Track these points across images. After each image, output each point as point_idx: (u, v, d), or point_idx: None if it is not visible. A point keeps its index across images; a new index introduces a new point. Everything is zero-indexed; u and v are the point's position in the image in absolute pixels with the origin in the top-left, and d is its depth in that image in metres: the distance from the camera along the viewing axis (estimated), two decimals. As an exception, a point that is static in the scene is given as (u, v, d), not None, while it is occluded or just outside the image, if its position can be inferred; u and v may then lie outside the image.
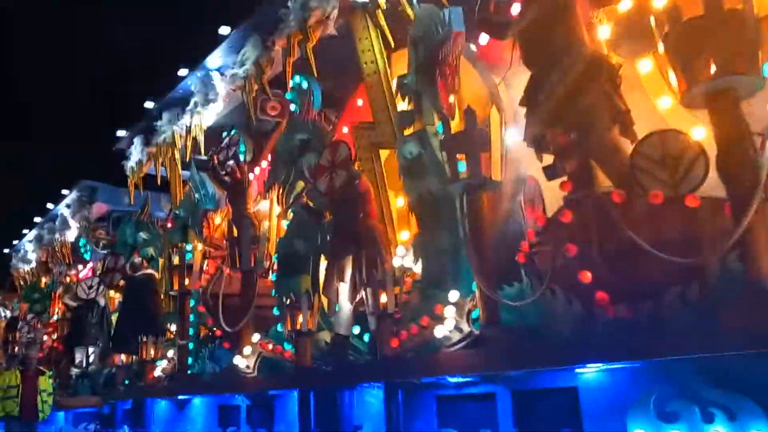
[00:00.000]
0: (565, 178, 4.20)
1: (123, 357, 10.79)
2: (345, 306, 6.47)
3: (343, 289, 6.47)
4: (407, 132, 6.19)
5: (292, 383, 6.55)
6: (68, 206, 15.48)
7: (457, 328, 4.81)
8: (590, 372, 4.18)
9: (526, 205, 4.71)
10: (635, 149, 4.03)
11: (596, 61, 4.18)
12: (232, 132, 10.40)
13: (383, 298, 5.64)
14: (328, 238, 6.83)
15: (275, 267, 8.46)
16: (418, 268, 6.23)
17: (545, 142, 4.14)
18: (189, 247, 9.80)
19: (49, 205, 16.09)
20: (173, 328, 10.61)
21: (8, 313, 19.93)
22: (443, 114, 5.28)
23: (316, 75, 7.91)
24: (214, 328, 8.24)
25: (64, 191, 15.22)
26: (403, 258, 6.35)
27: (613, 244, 3.89)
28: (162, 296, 10.72)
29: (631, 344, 3.77)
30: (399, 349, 5.47)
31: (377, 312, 5.59)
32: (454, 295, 4.99)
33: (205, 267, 9.30)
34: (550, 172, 4.24)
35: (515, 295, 4.93)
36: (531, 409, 4.62)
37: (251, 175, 9.97)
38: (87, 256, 16.29)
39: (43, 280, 18.06)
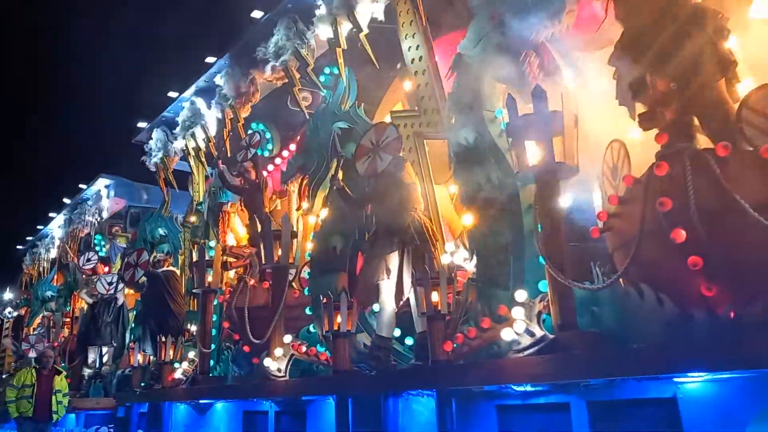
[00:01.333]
0: (658, 130, 3.76)
1: (140, 357, 10.31)
2: (387, 306, 5.97)
3: (386, 287, 5.97)
4: (460, 118, 5.73)
5: (330, 388, 6.04)
6: (86, 201, 15.10)
7: (528, 332, 4.30)
8: (694, 381, 3.67)
9: (607, 173, 4.22)
10: (743, 102, 3.60)
11: (702, 9, 3.75)
12: (255, 128, 10.02)
13: (434, 297, 5.16)
14: (370, 232, 6.33)
15: (302, 271, 8.02)
16: (470, 266, 5.75)
17: (644, 87, 3.69)
18: (212, 244, 9.37)
19: (65, 200, 15.72)
20: (193, 327, 10.18)
21: (15, 313, 19.55)
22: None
23: (377, 65, 7.44)
24: (242, 344, 7.66)
25: (82, 185, 14.84)
26: (453, 255, 5.86)
27: (714, 205, 3.42)
28: (182, 294, 10.28)
29: (741, 350, 3.26)
30: (453, 353, 4.98)
31: (430, 313, 5.09)
32: (521, 295, 4.48)
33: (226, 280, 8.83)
34: (646, 120, 3.79)
35: (588, 295, 4.47)
36: (613, 422, 4.11)
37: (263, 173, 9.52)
38: (102, 253, 15.93)
39: (56, 277, 17.70)
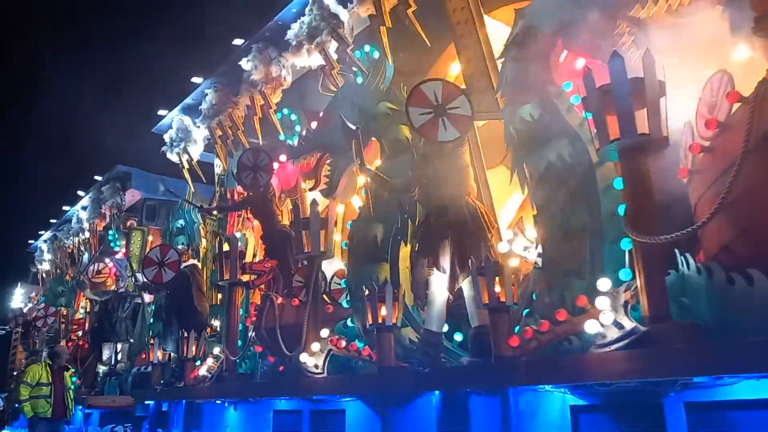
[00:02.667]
0: None
1: (159, 354, 9.87)
2: (437, 299, 5.51)
3: (435, 278, 5.50)
4: (519, 94, 5.28)
5: (375, 387, 5.58)
6: (101, 193, 14.66)
7: (616, 323, 3.84)
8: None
9: (702, 110, 3.80)
10: None
11: None
12: (282, 115, 9.58)
13: (497, 287, 4.70)
14: (417, 220, 5.87)
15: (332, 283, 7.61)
16: (531, 255, 5.30)
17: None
18: (238, 235, 8.94)
19: (80, 192, 15.28)
20: (217, 323, 9.75)
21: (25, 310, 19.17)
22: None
23: (427, 41, 6.96)
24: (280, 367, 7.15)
25: (97, 177, 14.40)
26: (512, 242, 5.41)
27: None
28: (204, 289, 9.85)
29: None
30: (519, 349, 4.52)
31: (494, 304, 4.64)
32: (605, 284, 4.02)
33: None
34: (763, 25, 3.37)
35: (675, 284, 4.01)
36: (718, 426, 3.64)
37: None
38: (116, 247, 15.51)
39: (69, 273, 17.34)
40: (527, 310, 5.01)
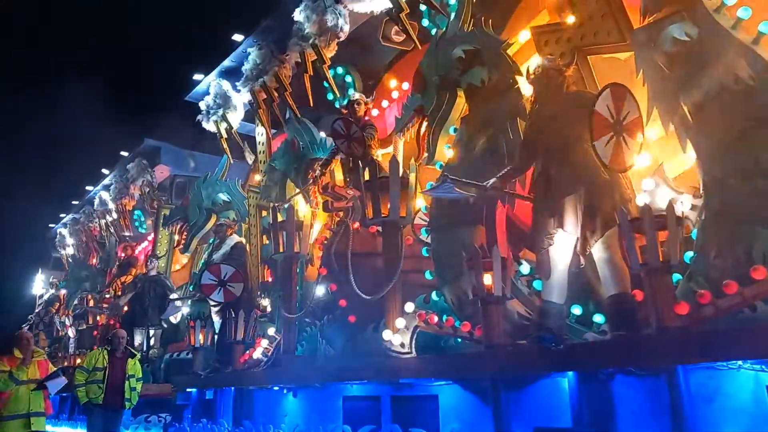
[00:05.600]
0: None
1: (201, 337, 9.04)
2: (559, 265, 4.61)
3: (556, 241, 4.60)
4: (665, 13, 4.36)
5: (485, 368, 4.71)
6: (126, 172, 13.79)
7: None
8: None
9: None
10: None
11: None
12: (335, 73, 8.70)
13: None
14: (534, 174, 4.93)
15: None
16: (682, 207, 4.38)
17: None
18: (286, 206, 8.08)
19: (104, 171, 14.43)
20: (265, 302, 8.92)
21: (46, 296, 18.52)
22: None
23: None
24: (339, 298, 6.44)
25: (123, 153, 13.53)
26: (654, 194, 4.50)
27: None
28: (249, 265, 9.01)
29: None
30: (688, 317, 3.64)
31: (655, 265, 3.74)
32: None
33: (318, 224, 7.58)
34: None
35: None
36: None
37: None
38: (142, 229, 14.78)
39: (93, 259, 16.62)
40: (678, 275, 4.12)
